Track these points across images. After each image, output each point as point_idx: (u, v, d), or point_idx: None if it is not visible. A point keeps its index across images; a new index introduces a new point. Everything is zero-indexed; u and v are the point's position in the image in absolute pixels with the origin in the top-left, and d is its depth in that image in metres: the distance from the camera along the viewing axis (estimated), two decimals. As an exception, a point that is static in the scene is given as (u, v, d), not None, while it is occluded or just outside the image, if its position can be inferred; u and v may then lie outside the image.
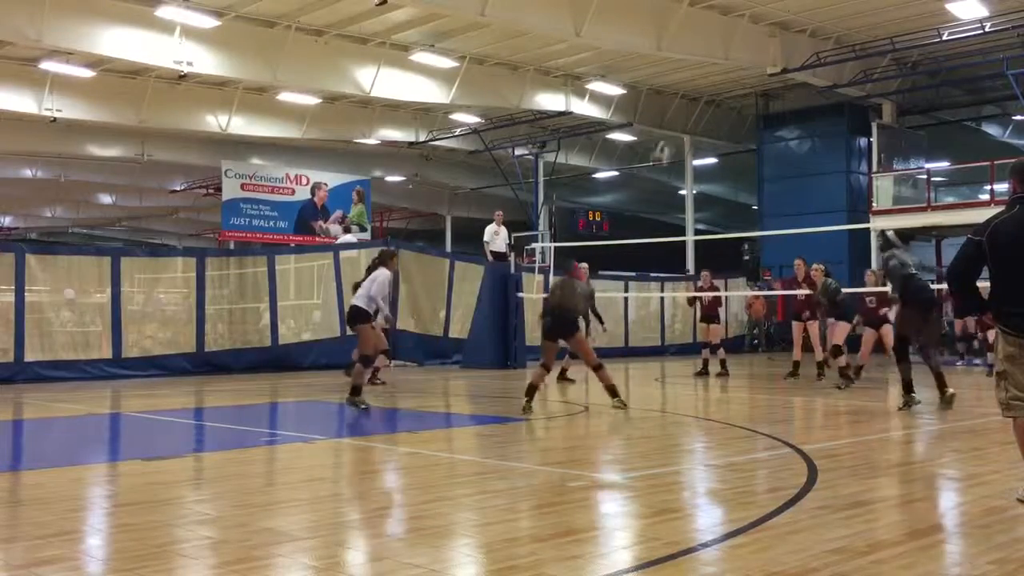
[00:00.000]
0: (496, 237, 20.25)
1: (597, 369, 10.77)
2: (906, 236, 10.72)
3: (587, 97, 28.29)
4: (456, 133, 31.40)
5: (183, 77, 23.90)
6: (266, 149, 32.97)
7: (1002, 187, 21.03)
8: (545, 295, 12.60)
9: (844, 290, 14.71)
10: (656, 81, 28.66)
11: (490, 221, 20.62)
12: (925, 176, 25.95)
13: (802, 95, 28.50)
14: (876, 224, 24.63)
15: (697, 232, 33.92)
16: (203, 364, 17.92)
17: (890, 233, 12.10)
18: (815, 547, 4.55)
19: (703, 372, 16.87)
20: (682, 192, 34.48)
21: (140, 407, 12.57)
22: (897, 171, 26.88)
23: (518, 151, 32.56)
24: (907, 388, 9.87)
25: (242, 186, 30.48)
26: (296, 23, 22.35)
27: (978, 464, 7.29)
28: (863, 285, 14.57)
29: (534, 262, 22.13)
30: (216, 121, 27.31)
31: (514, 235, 21.86)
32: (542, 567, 4.29)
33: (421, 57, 23.82)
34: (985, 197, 23.68)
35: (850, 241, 26.39)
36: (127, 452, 8.99)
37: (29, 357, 16.28)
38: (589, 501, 6.08)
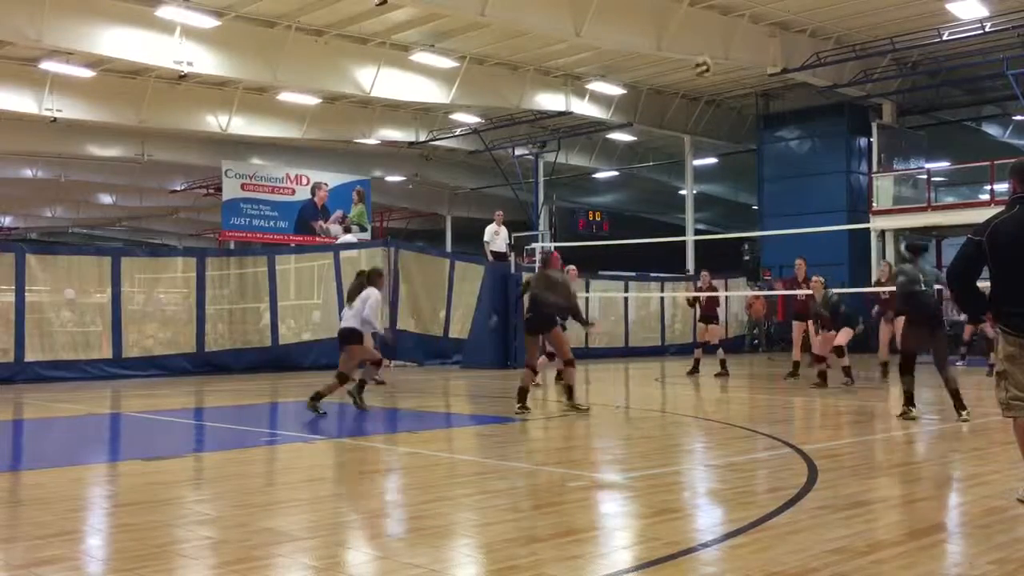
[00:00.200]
0: (496, 237, 20.24)
1: (567, 364, 10.95)
2: (920, 247, 10.58)
3: (587, 97, 28.28)
4: (456, 133, 31.40)
5: (183, 77, 23.88)
6: (266, 149, 32.97)
7: (1002, 187, 21.03)
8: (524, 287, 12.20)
9: (845, 290, 14.69)
10: (656, 81, 28.65)
11: (490, 221, 20.61)
12: (925, 176, 25.95)
13: (802, 95, 28.49)
14: (876, 224, 24.68)
15: (697, 232, 33.91)
16: (203, 364, 17.94)
17: (905, 243, 11.98)
18: (815, 547, 4.55)
19: (694, 371, 16.91)
20: (682, 192, 34.48)
21: (140, 407, 12.58)
22: (897, 171, 26.88)
23: (518, 151, 32.54)
24: (908, 400, 9.83)
25: (242, 186, 30.48)
26: (296, 23, 22.35)
27: (978, 464, 7.29)
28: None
29: (534, 262, 22.09)
30: (216, 121, 27.31)
31: (514, 235, 21.83)
32: (542, 567, 4.29)
33: (421, 57, 23.81)
34: (985, 197, 23.69)
35: (850, 241, 26.41)
36: (127, 452, 9.00)
37: (29, 357, 16.31)
38: (589, 501, 6.08)
